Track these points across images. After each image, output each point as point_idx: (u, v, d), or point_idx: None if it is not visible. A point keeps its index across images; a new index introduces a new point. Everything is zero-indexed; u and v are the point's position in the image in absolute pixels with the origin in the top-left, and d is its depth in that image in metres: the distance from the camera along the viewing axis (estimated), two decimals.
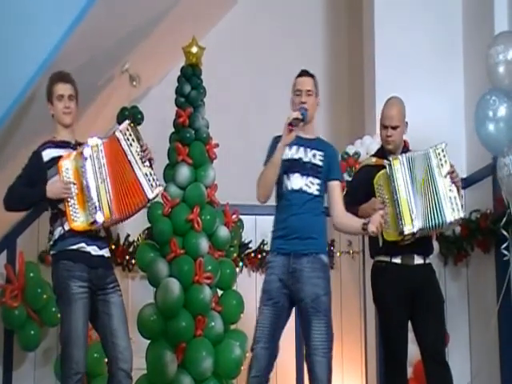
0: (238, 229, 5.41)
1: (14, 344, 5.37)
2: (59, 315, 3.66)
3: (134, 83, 5.42)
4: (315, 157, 3.59)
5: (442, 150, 3.72)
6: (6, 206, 3.65)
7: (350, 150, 5.23)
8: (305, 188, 3.56)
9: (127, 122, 3.66)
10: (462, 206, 3.70)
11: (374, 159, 3.92)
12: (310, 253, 3.51)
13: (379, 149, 4.01)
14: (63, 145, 3.64)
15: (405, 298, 3.76)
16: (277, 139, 3.58)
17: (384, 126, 3.83)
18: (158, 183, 3.58)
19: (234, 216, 5.27)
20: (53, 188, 3.52)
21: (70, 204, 3.53)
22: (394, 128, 3.82)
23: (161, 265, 4.85)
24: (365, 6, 5.65)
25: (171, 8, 5.15)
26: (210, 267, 4.90)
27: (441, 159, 3.72)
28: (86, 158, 3.52)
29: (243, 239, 5.63)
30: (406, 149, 3.94)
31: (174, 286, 4.78)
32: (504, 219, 4.30)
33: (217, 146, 5.15)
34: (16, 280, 5.18)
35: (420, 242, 3.73)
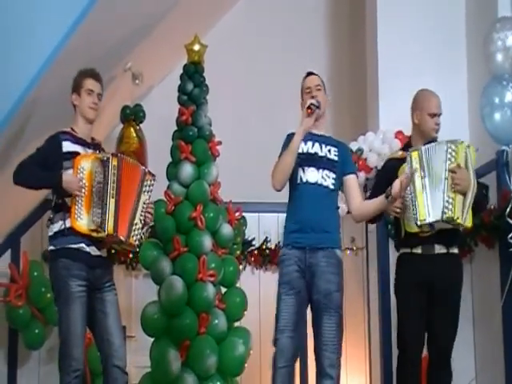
0: (241, 226, 5.44)
1: (18, 342, 5.41)
2: (58, 314, 3.68)
3: (137, 81, 5.48)
4: (330, 152, 3.63)
5: (456, 147, 3.68)
6: (14, 180, 3.64)
7: (353, 146, 5.24)
8: (320, 181, 3.57)
9: (155, 177, 3.75)
10: (452, 207, 3.62)
11: (400, 152, 3.97)
12: (325, 247, 3.52)
13: (407, 142, 4.05)
14: (82, 142, 3.67)
15: (423, 288, 3.77)
16: (290, 136, 3.61)
17: (432, 115, 3.87)
18: (137, 240, 3.63)
19: (237, 213, 5.29)
20: (68, 180, 3.52)
21: (77, 202, 3.54)
22: (440, 115, 3.90)
23: (164, 263, 4.86)
24: (368, 2, 5.69)
25: (173, 6, 5.17)
26: (213, 265, 4.92)
27: (451, 154, 3.68)
28: (103, 167, 3.54)
29: (246, 237, 5.67)
30: (432, 138, 3.93)
31: (178, 283, 4.79)
32: (508, 208, 4.22)
33: (220, 143, 5.17)
34: (20, 279, 5.23)
35: (442, 232, 3.73)
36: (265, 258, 5.68)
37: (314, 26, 6.44)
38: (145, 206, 3.65)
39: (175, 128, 5.15)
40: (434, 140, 3.91)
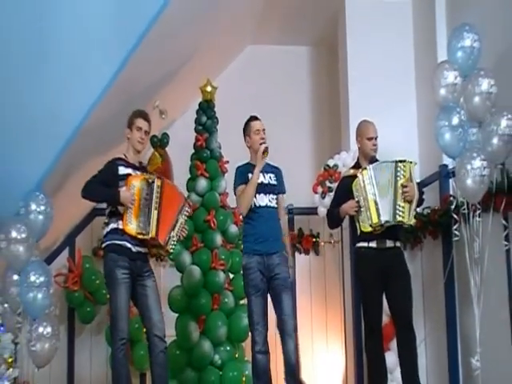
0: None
1: (75, 318, 5.68)
2: (108, 295, 4.00)
3: (163, 116, 5.67)
4: (271, 178, 4.18)
5: (404, 166, 4.00)
6: (82, 194, 3.96)
7: (330, 162, 5.54)
8: (269, 203, 4.11)
9: (191, 204, 4.02)
10: (402, 213, 3.90)
11: (351, 171, 4.26)
12: (277, 251, 4.07)
13: (356, 162, 4.33)
14: (133, 166, 4.02)
15: (380, 275, 4.03)
16: (240, 168, 4.18)
17: (370, 138, 4.13)
18: (172, 248, 3.90)
19: (241, 217, 5.28)
20: (124, 196, 3.86)
21: (128, 211, 3.84)
22: (376, 138, 4.18)
23: (185, 255, 5.17)
24: (340, 53, 5.98)
25: (190, 58, 5.49)
26: (223, 256, 5.21)
27: (400, 172, 3.99)
28: (149, 186, 3.87)
29: None
30: (374, 159, 4.20)
31: (196, 271, 5.12)
32: (453, 205, 4.38)
33: (227, 162, 5.51)
34: (75, 269, 5.52)
35: (390, 230, 4.07)
36: None
37: (300, 72, 6.71)
38: (181, 226, 3.94)
39: (193, 151, 5.44)
40: (374, 158, 4.17)
